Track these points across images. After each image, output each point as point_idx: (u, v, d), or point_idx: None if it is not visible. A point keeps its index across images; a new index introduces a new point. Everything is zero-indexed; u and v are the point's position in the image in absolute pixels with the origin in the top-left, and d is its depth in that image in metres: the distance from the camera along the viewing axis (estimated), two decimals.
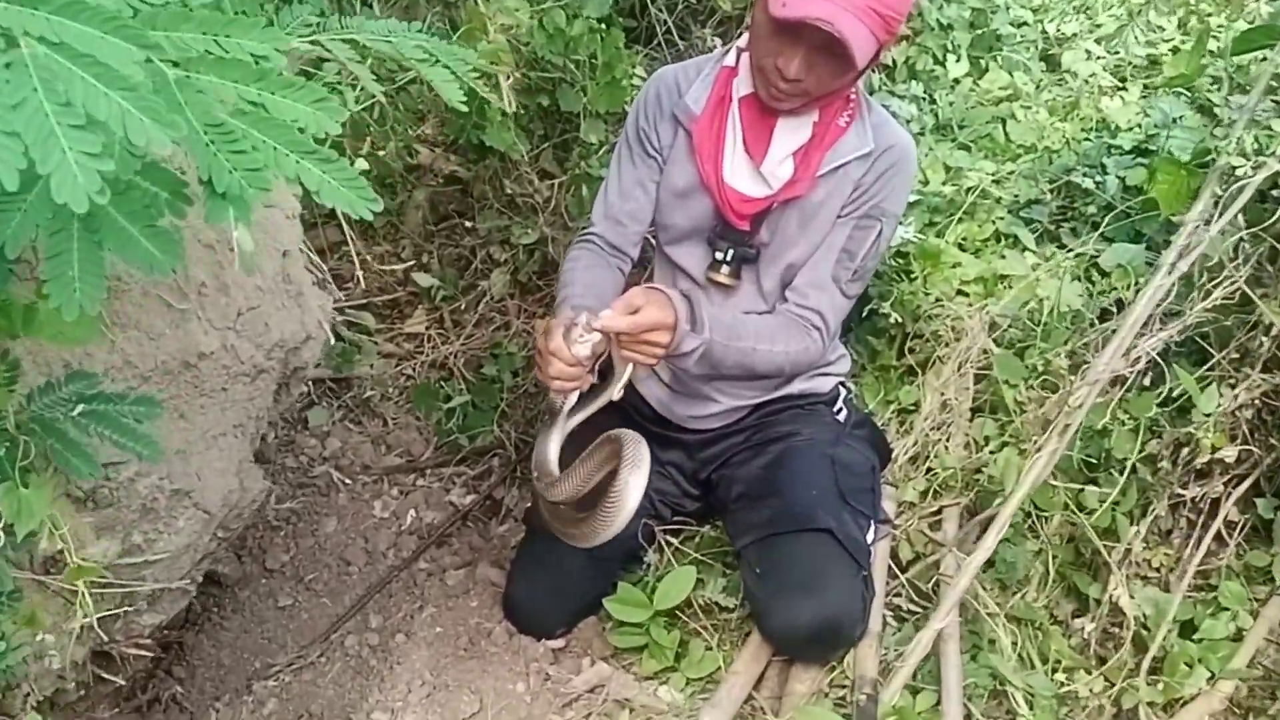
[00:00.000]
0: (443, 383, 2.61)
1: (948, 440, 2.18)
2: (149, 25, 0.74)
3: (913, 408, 2.33)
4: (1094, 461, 1.95)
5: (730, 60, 1.74)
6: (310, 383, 2.60)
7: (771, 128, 1.70)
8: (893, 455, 2.09)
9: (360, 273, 2.93)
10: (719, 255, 1.78)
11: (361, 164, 2.72)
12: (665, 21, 3.13)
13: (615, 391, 1.63)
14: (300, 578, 2.18)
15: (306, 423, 2.49)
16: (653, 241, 1.97)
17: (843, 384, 2.01)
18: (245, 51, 0.77)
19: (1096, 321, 2.17)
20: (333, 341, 2.10)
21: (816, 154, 1.69)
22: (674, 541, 1.96)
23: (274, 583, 2.17)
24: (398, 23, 1.26)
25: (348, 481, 2.38)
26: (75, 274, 0.79)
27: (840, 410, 1.97)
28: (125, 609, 1.35)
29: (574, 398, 1.68)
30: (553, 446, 1.71)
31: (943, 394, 2.23)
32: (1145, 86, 3.27)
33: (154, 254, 0.80)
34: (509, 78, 2.51)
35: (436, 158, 3.51)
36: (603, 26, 2.59)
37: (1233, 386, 1.90)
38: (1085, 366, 1.97)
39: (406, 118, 3.03)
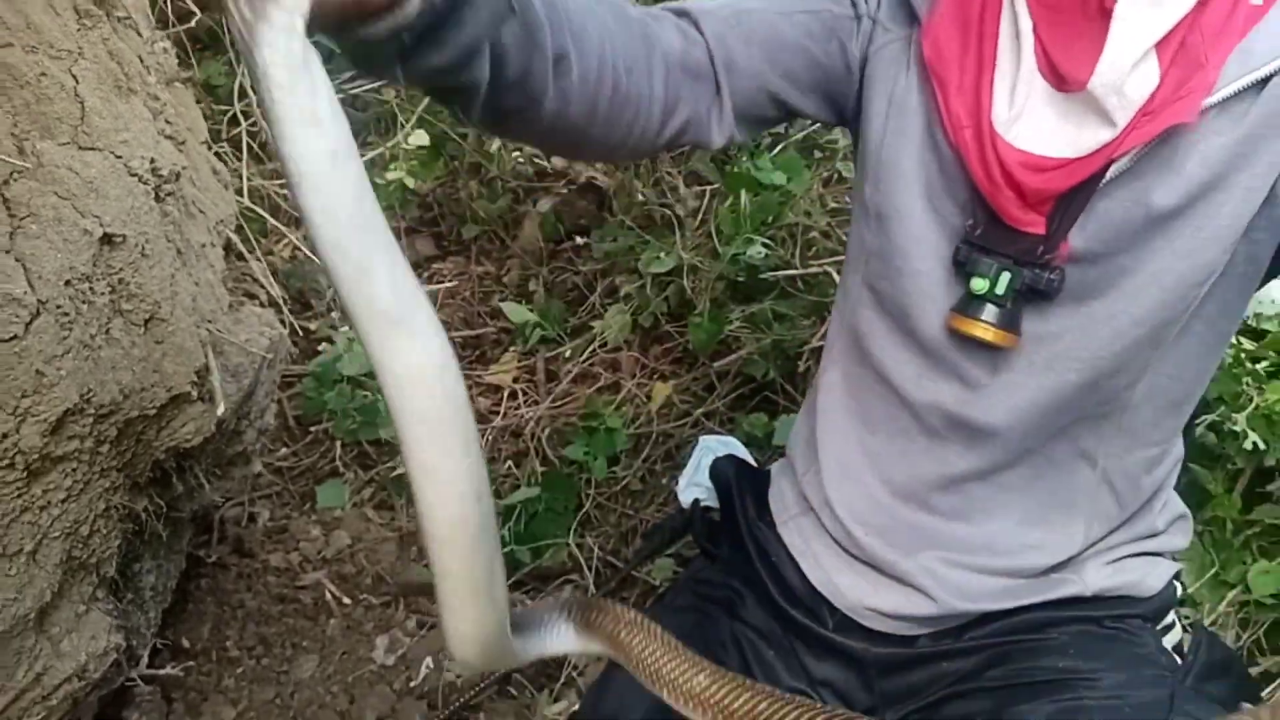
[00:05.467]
0: (512, 463, 1.82)
1: None
2: None
3: (1273, 600, 1.35)
4: None
5: None
6: (340, 443, 1.88)
7: None
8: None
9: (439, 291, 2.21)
10: (978, 284, 0.86)
11: (420, 136, 2.01)
12: None
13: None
14: None
15: (314, 503, 1.76)
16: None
17: (1179, 577, 1.04)
18: None
19: None
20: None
21: (1217, 44, 0.75)
22: None
23: None
24: None
25: (346, 601, 1.61)
26: None
27: (1171, 632, 1.01)
28: None
29: None
30: None
31: None
32: None
33: None
34: None
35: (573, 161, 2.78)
36: None
37: None
38: None
39: None
